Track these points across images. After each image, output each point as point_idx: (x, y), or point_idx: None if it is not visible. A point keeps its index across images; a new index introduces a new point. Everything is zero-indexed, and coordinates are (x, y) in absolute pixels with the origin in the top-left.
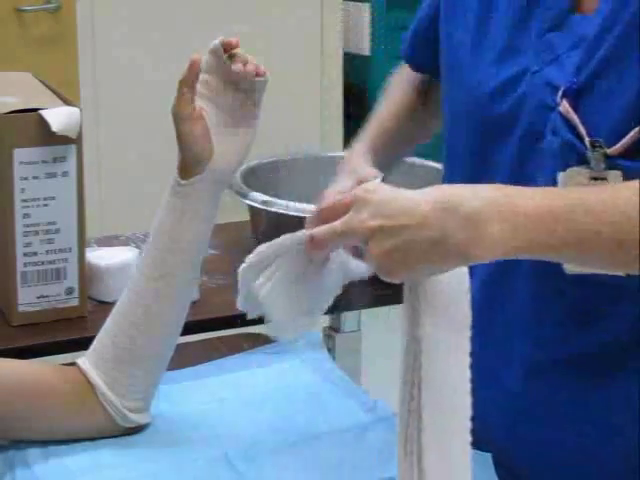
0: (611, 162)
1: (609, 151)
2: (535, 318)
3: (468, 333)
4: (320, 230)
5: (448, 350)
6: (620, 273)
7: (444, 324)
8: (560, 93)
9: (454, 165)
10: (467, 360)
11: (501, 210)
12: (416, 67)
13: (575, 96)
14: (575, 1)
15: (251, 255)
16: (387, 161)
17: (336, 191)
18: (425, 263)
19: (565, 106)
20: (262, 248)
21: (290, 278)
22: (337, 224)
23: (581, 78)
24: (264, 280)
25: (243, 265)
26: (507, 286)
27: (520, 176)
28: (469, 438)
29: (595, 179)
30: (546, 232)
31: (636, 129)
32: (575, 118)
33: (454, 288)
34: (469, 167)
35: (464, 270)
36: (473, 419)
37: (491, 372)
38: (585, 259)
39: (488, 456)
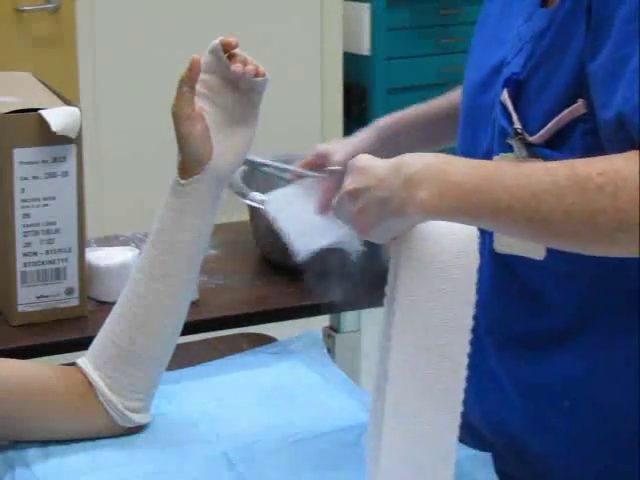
0: (533, 150)
1: (530, 139)
2: (491, 297)
3: (468, 306)
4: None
5: (423, 301)
6: (538, 243)
7: (423, 278)
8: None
9: (459, 154)
10: (454, 314)
11: (433, 175)
12: None
13: (516, 87)
14: None
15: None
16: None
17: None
18: (382, 221)
19: (504, 95)
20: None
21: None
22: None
23: (525, 69)
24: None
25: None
26: None
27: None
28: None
29: None
30: (467, 201)
31: (555, 119)
32: (509, 106)
33: (447, 249)
34: (467, 154)
35: (472, 243)
36: None
37: None
38: (503, 229)
39: (488, 456)
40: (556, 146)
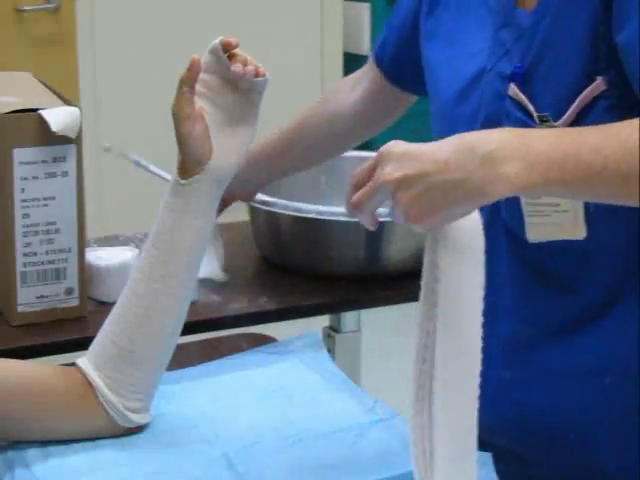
0: None
1: (556, 124)
2: (514, 296)
3: (482, 272)
4: (357, 195)
5: (464, 286)
6: (631, 204)
7: (460, 264)
8: (506, 80)
9: None
10: (481, 296)
11: (516, 150)
12: (387, 74)
13: (522, 80)
14: None
15: None
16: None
17: None
18: (449, 206)
19: (513, 89)
20: None
21: None
22: (369, 184)
23: (526, 64)
24: None
25: None
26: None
27: None
28: (478, 376)
29: None
30: (558, 169)
31: (577, 101)
32: (523, 97)
33: (470, 232)
34: None
35: (477, 215)
36: None
37: None
38: (594, 193)
39: (488, 455)
40: (580, 126)
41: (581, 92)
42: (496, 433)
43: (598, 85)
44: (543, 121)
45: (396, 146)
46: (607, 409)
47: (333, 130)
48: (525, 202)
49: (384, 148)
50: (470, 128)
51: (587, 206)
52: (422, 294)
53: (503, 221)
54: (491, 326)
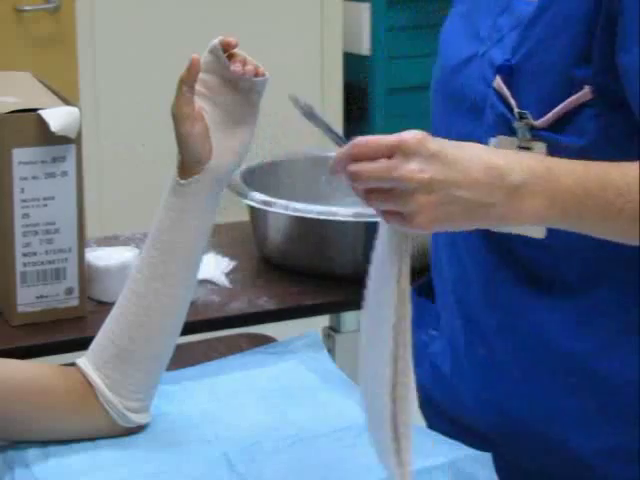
0: (537, 134)
1: (535, 123)
2: (482, 283)
3: None
4: (362, 167)
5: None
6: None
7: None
8: (495, 70)
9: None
10: None
11: (543, 183)
12: None
13: (509, 73)
14: None
15: None
16: None
17: None
18: (464, 221)
19: (498, 81)
20: None
21: None
22: (381, 167)
23: (516, 56)
24: None
25: None
26: (462, 248)
27: None
28: None
29: (522, 148)
30: (578, 205)
31: (561, 105)
32: (506, 91)
33: None
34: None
35: None
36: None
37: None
38: (605, 232)
39: (488, 456)
40: (561, 130)
41: (565, 96)
42: (474, 418)
43: (585, 94)
44: (522, 118)
45: (427, 142)
46: (574, 406)
47: None
48: None
49: (412, 138)
50: (456, 108)
51: None
52: (395, 293)
53: None
54: (462, 311)
